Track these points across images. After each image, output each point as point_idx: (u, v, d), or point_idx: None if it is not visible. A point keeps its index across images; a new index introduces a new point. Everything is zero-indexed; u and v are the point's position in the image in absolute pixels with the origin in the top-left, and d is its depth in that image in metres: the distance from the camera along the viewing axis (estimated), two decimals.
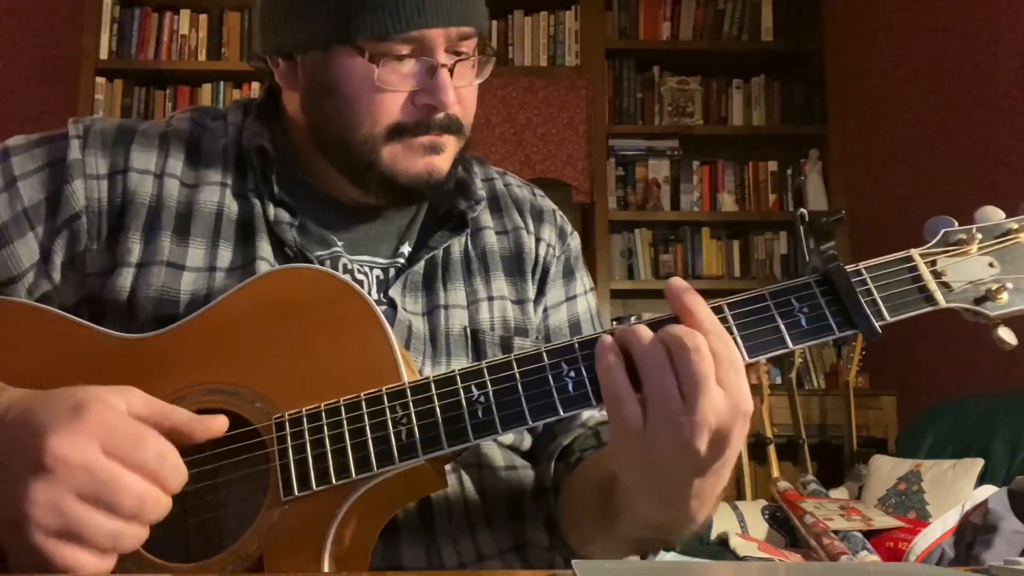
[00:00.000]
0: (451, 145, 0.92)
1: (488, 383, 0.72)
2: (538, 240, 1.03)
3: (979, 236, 0.75)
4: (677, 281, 0.70)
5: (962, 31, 3.01)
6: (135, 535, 0.66)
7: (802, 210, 0.76)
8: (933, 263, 0.74)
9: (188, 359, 0.78)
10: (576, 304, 1.03)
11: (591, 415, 0.95)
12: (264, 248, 0.89)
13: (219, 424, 0.72)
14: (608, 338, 0.69)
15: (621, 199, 3.89)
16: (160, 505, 0.67)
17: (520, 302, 0.99)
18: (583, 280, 1.06)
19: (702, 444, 0.65)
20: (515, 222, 1.03)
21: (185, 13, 3.84)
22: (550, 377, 0.71)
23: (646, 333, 0.68)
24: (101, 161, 0.90)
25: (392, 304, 0.91)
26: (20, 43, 3.79)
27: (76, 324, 0.83)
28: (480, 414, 0.71)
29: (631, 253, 3.88)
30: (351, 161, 0.91)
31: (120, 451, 0.65)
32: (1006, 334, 0.73)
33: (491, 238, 1.00)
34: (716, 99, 3.97)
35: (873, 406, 3.33)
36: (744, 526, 2.59)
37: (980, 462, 2.41)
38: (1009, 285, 0.73)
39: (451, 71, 0.88)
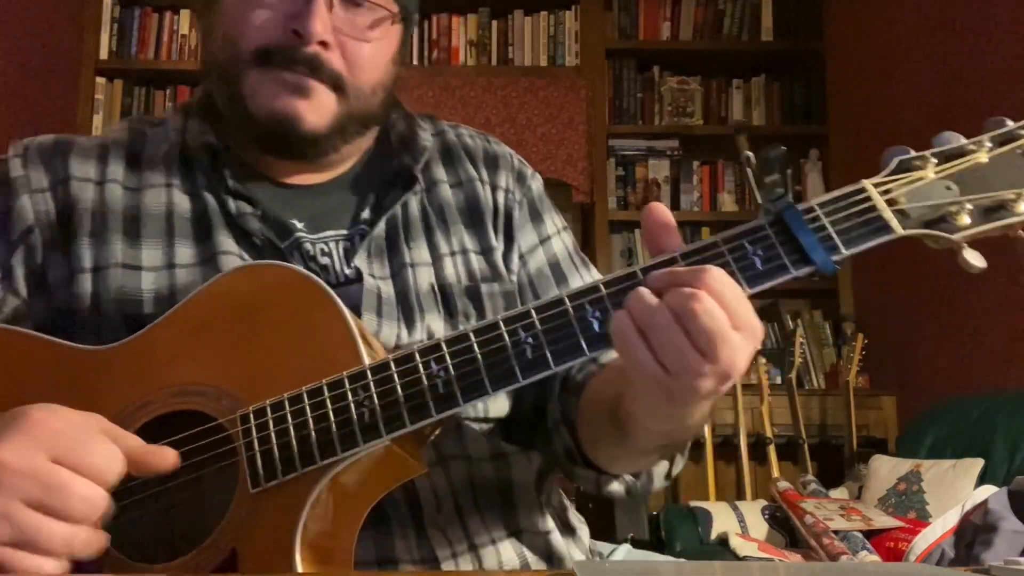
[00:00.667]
0: (324, 97, 0.89)
1: (447, 356, 0.71)
2: (494, 188, 1.01)
3: (934, 160, 0.72)
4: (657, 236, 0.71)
5: (962, 31, 3.01)
6: (90, 539, 0.66)
7: (747, 153, 0.74)
8: (887, 191, 0.71)
9: (153, 364, 0.79)
10: (552, 245, 1.02)
11: None
12: (226, 242, 0.89)
13: (170, 457, 0.71)
14: (623, 313, 0.68)
15: (621, 199, 3.89)
16: (112, 507, 0.67)
17: (484, 252, 0.97)
18: (553, 220, 1.04)
19: (729, 383, 0.66)
20: (468, 173, 1.01)
21: (185, 13, 3.84)
22: (508, 344, 0.71)
23: (649, 298, 0.67)
24: (42, 175, 0.92)
25: (358, 274, 0.90)
26: (20, 43, 3.79)
27: (40, 340, 0.83)
28: (441, 388, 0.71)
29: (631, 253, 3.88)
30: (225, 92, 0.90)
31: (66, 455, 0.65)
32: (972, 257, 0.69)
33: (446, 192, 0.99)
34: (716, 99, 3.97)
35: (873, 406, 3.33)
36: (744, 526, 2.59)
37: (980, 462, 2.41)
38: (969, 206, 0.70)
39: (331, 6, 0.86)
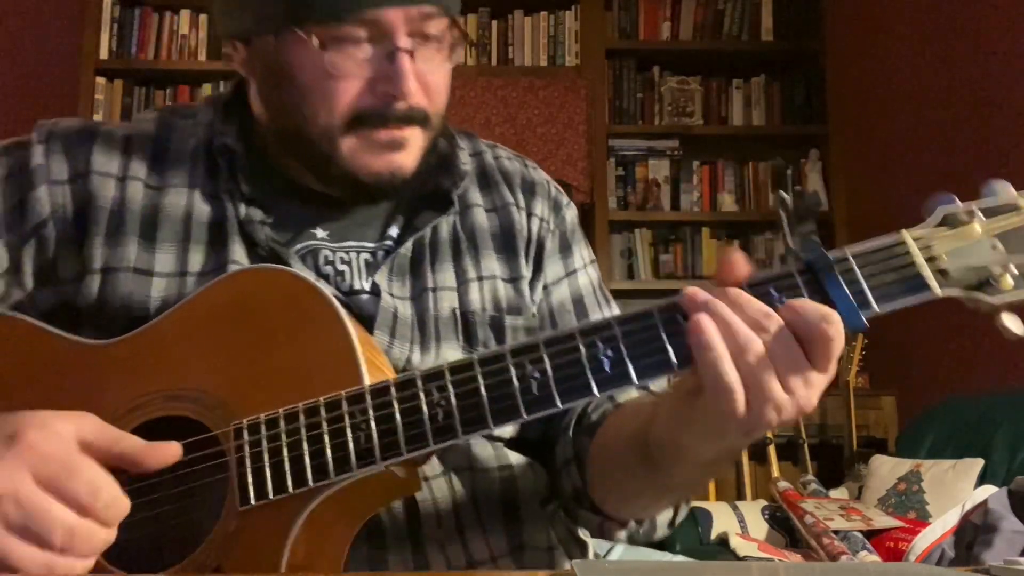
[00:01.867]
0: (416, 138, 0.87)
1: (449, 385, 0.69)
2: (530, 215, 0.98)
3: (981, 215, 0.67)
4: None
5: (962, 31, 3.01)
6: (71, 567, 0.64)
7: (782, 193, 0.71)
8: (928, 246, 0.67)
9: (150, 364, 0.77)
10: (577, 278, 0.99)
11: None
12: (237, 251, 0.87)
13: (171, 451, 0.70)
14: (712, 325, 0.64)
15: (621, 199, 3.89)
16: (94, 539, 0.65)
17: (513, 280, 0.95)
18: (582, 253, 1.02)
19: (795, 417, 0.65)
20: (505, 198, 0.98)
21: (185, 13, 3.84)
22: (513, 378, 0.68)
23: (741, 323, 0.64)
24: (63, 166, 0.88)
25: (376, 290, 0.88)
26: (20, 43, 3.79)
27: (39, 330, 0.81)
28: (440, 418, 0.68)
29: (631, 253, 3.88)
30: (311, 154, 0.87)
31: (51, 481, 0.64)
32: (1011, 322, 0.65)
33: (480, 216, 0.96)
34: (716, 99, 3.97)
35: (873, 406, 3.33)
36: (744, 526, 2.59)
37: (980, 462, 2.41)
38: (1014, 269, 0.65)
39: (412, 55, 0.83)
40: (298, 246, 0.89)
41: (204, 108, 0.95)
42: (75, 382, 0.78)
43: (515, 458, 0.91)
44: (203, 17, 3.85)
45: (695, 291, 0.66)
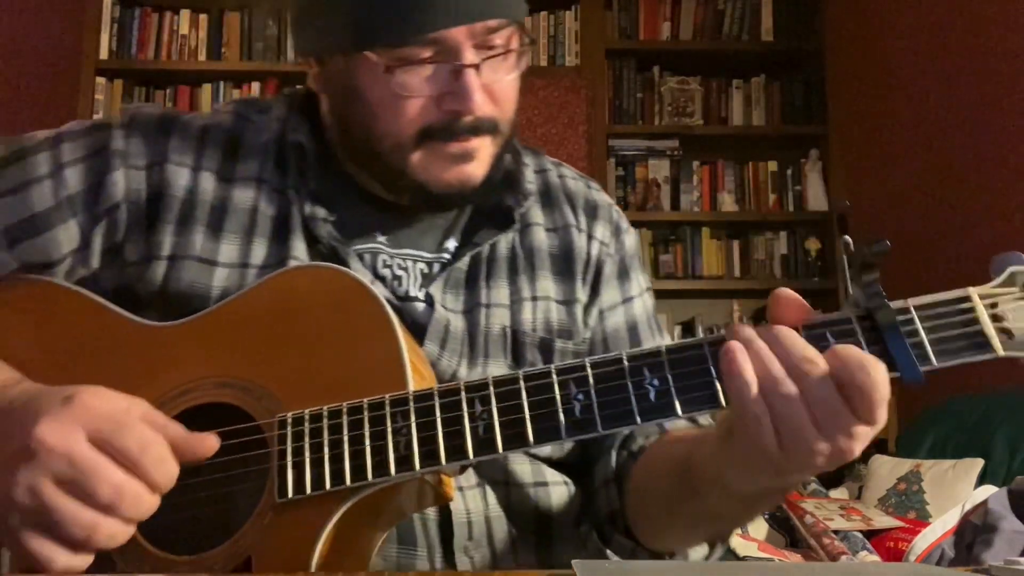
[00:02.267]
0: (485, 148, 0.87)
1: (492, 399, 0.69)
2: (590, 238, 0.99)
3: None
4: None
5: (963, 30, 3.01)
6: (113, 531, 0.65)
7: (846, 238, 0.69)
8: (994, 305, 0.66)
9: (202, 350, 0.79)
10: (633, 306, 1.00)
11: None
12: (298, 247, 0.88)
13: (209, 444, 0.71)
14: (743, 356, 0.64)
15: (621, 199, 3.89)
16: (141, 501, 0.66)
17: (567, 303, 0.95)
18: (639, 280, 1.02)
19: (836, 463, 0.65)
20: (566, 219, 0.99)
21: (185, 13, 3.84)
22: (557, 398, 0.68)
23: (773, 360, 0.64)
24: (142, 152, 0.90)
25: (430, 301, 0.89)
26: (20, 43, 3.79)
27: (100, 306, 0.84)
28: (481, 431, 0.69)
29: None
30: (382, 169, 0.89)
31: (101, 437, 0.65)
32: None
33: (540, 236, 0.96)
34: (716, 99, 3.97)
35: None
36: (744, 526, 2.59)
37: (980, 462, 2.41)
38: None
39: (479, 68, 0.83)
40: (358, 246, 0.90)
41: (278, 104, 0.97)
42: (129, 359, 0.80)
43: (551, 476, 0.91)
44: (203, 17, 3.85)
45: (742, 326, 0.66)
